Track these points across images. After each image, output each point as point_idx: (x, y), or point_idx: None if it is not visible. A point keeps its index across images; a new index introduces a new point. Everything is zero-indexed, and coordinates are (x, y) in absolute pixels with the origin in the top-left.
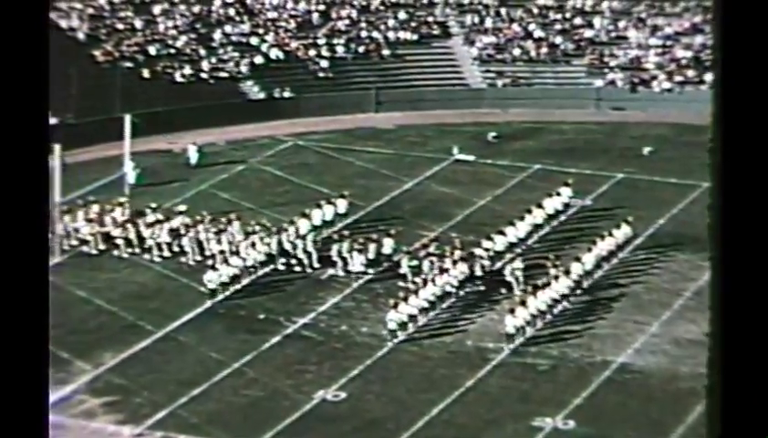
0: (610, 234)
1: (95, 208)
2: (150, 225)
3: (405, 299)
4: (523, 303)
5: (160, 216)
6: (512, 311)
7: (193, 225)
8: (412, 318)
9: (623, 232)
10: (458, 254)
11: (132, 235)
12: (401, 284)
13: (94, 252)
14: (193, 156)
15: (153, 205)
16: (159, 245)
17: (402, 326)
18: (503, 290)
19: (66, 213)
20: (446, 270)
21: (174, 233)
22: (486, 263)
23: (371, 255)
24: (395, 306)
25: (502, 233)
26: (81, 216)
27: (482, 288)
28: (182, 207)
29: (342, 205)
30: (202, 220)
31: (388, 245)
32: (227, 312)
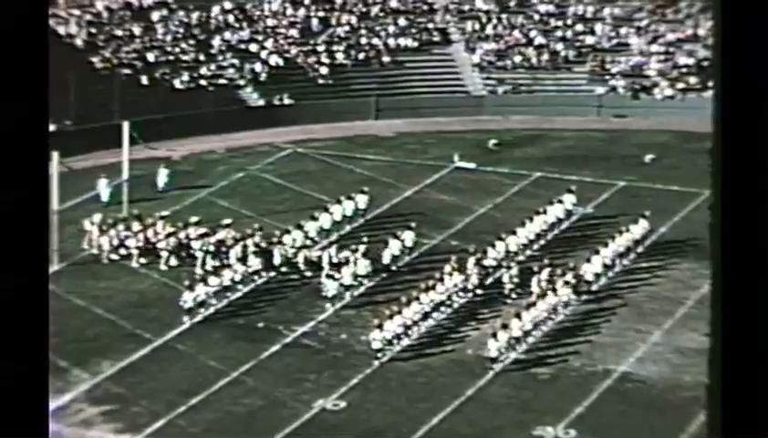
0: (627, 230)
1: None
2: (199, 237)
3: (390, 317)
4: (504, 326)
5: (206, 229)
6: (494, 335)
7: (241, 239)
8: (398, 336)
9: (641, 227)
10: (455, 264)
11: (177, 247)
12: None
13: (135, 264)
14: (162, 179)
15: (195, 219)
16: (205, 256)
17: (389, 344)
18: (504, 298)
19: (111, 225)
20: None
21: (221, 244)
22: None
23: (396, 252)
24: (379, 326)
25: (502, 239)
26: (123, 229)
27: (483, 297)
28: (228, 220)
29: (362, 201)
30: (253, 234)
31: (409, 237)
32: (226, 321)
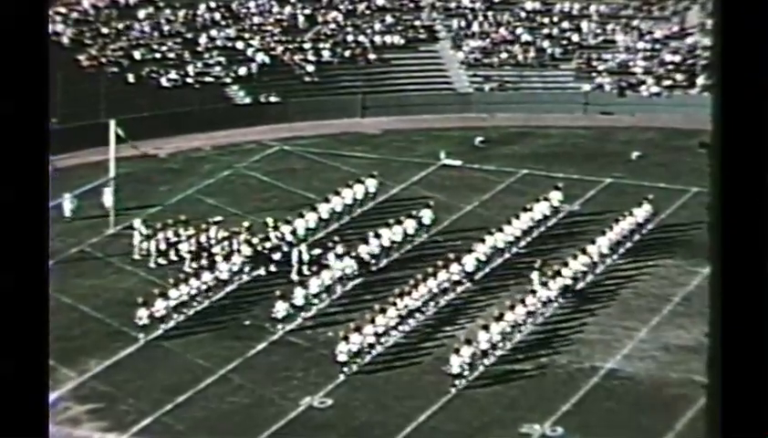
0: (630, 214)
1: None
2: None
3: (358, 330)
4: (468, 341)
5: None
6: (456, 351)
7: (297, 244)
8: (367, 347)
9: (644, 210)
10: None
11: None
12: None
13: (188, 269)
14: (68, 207)
15: (247, 224)
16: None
17: (356, 356)
18: (490, 295)
19: (160, 229)
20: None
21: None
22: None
23: (410, 230)
24: (345, 338)
25: (490, 235)
26: (172, 232)
27: (468, 294)
28: (270, 220)
29: (372, 185)
30: (305, 238)
31: (426, 215)
32: (213, 318)
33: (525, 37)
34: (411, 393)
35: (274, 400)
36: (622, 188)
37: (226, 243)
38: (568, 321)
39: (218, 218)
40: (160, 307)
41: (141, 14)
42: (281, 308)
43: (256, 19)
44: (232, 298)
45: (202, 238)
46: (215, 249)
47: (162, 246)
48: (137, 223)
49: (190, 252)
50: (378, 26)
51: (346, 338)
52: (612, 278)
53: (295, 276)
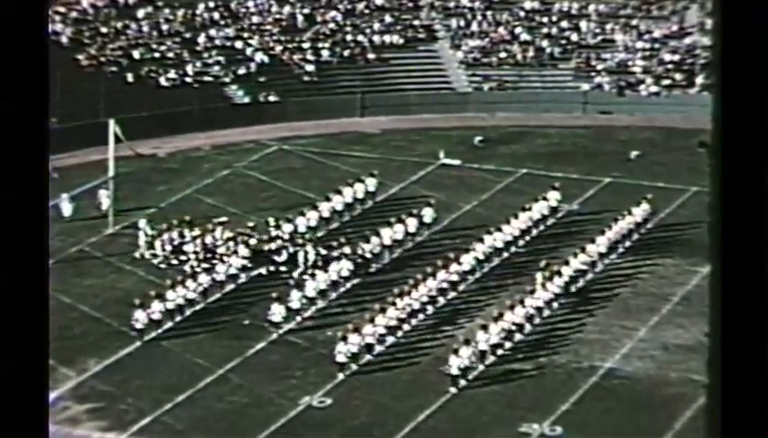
0: (629, 214)
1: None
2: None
3: (357, 330)
4: (467, 342)
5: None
6: (455, 351)
7: (302, 245)
8: (369, 347)
9: (643, 209)
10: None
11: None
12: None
13: (192, 269)
14: (67, 209)
15: (251, 224)
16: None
17: (354, 358)
18: (490, 295)
19: (166, 230)
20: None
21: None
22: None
23: (411, 229)
24: (344, 338)
25: (488, 235)
26: (177, 233)
27: (468, 294)
28: (270, 221)
29: (372, 184)
30: (312, 239)
31: (428, 214)
32: (212, 318)
33: (524, 37)
34: (410, 393)
35: (273, 399)
36: (621, 187)
37: (232, 243)
38: (567, 321)
39: (223, 218)
40: (156, 309)
41: (140, 13)
42: (276, 311)
43: (255, 19)
44: (230, 299)
45: (208, 239)
46: (221, 249)
47: (168, 247)
48: (142, 223)
49: (195, 252)
50: (377, 26)
51: (345, 339)
52: (611, 278)
53: (297, 277)
